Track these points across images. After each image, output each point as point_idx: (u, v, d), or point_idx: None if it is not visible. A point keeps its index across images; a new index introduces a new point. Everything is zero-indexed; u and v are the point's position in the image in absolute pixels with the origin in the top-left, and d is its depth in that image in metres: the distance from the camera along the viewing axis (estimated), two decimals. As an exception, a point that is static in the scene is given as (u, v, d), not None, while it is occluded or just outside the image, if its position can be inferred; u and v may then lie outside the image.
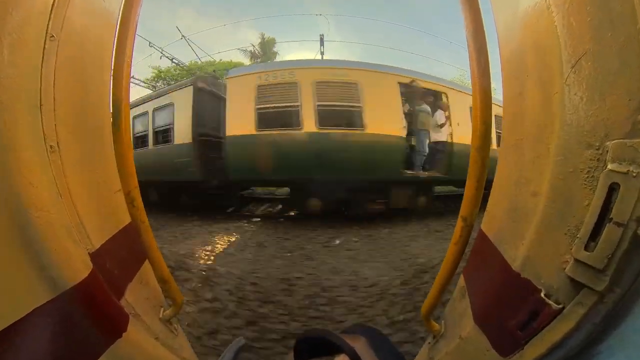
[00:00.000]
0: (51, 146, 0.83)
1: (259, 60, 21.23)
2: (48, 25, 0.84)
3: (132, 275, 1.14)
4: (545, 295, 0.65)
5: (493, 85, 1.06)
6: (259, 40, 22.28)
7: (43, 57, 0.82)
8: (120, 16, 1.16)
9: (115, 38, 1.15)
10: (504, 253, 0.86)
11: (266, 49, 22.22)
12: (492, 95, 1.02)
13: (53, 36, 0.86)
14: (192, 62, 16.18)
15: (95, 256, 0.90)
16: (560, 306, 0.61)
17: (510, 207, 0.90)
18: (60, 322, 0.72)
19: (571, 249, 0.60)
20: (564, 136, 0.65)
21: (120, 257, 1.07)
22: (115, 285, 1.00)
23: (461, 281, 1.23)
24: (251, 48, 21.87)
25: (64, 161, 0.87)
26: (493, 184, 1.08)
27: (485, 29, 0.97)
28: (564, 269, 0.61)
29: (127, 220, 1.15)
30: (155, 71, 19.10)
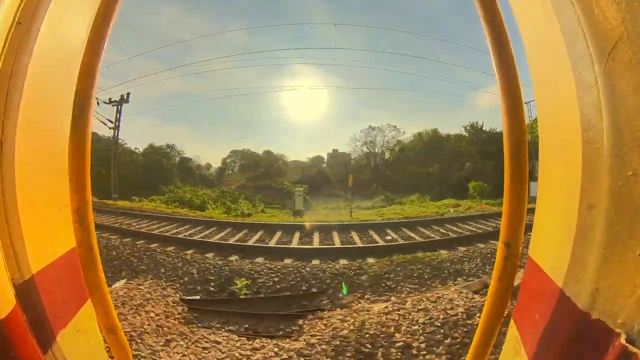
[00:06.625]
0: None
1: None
2: (18, 10, 0.79)
3: (67, 319, 0.86)
4: (627, 341, 0.51)
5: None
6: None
7: (6, 41, 0.76)
8: (96, 12, 1.10)
9: (89, 34, 1.06)
10: (565, 287, 0.71)
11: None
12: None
13: (20, 23, 0.80)
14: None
15: (22, 289, 0.67)
16: None
17: (563, 226, 0.75)
18: None
19: None
20: (614, 133, 0.56)
21: (55, 293, 0.82)
22: (43, 331, 0.74)
23: (512, 329, 0.98)
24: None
25: (4, 163, 0.71)
26: (537, 197, 0.93)
27: (503, 18, 0.86)
28: None
29: (72, 244, 0.91)
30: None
